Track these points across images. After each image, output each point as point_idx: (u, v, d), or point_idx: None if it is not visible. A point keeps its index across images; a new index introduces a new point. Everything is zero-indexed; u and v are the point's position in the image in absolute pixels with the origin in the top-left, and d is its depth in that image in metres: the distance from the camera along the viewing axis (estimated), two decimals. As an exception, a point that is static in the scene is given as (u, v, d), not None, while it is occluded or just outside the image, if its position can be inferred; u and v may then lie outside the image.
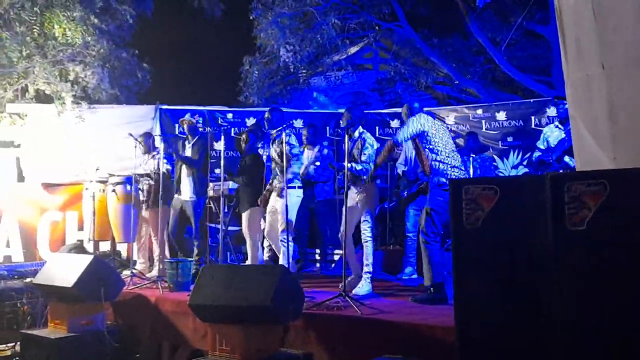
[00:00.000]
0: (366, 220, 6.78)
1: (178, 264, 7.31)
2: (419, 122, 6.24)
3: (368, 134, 6.91)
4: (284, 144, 6.88)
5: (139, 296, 7.10)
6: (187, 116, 8.63)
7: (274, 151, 7.21)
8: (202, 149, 8.35)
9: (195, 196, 8.25)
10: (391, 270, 8.40)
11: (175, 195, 8.42)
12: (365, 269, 6.74)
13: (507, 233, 3.57)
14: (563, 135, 7.14)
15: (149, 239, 8.74)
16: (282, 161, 6.92)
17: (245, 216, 7.59)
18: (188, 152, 8.39)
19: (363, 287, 6.64)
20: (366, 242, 6.75)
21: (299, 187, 7.16)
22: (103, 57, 10.91)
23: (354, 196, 6.83)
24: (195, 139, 8.42)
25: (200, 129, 8.89)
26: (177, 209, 8.35)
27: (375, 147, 6.83)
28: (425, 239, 6.08)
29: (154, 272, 8.15)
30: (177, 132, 9.08)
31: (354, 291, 6.49)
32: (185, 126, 8.52)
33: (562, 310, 3.34)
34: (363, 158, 6.74)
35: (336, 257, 9.41)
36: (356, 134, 6.83)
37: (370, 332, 5.19)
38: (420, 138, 6.21)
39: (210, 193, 8.53)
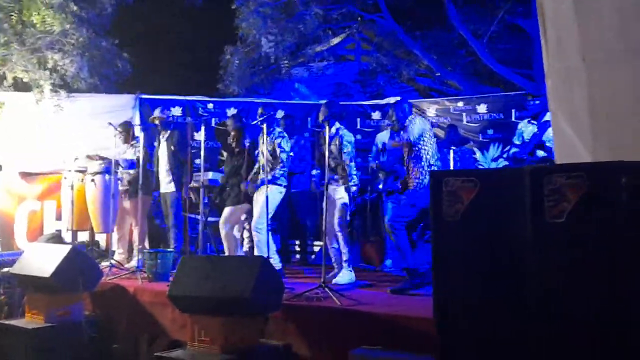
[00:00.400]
0: (339, 210, 6.85)
1: (157, 255, 7.29)
2: (422, 123, 6.37)
3: (345, 130, 6.97)
4: (275, 144, 7.09)
5: (118, 287, 7.06)
6: (157, 112, 8.54)
7: (265, 147, 7.25)
8: (181, 137, 8.31)
9: (173, 188, 8.21)
10: (372, 261, 8.42)
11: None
12: (344, 257, 6.80)
13: (487, 225, 3.58)
14: (536, 130, 7.19)
15: (130, 230, 8.69)
16: (273, 158, 7.11)
17: (229, 210, 7.60)
18: (163, 146, 8.34)
19: (344, 276, 6.69)
20: (340, 232, 6.82)
21: (284, 186, 7.20)
22: (82, 45, 10.78)
23: (332, 189, 6.88)
24: (169, 132, 8.38)
25: (171, 121, 8.78)
26: (163, 200, 8.36)
27: (353, 142, 6.90)
28: (393, 228, 6.14)
29: (133, 263, 8.11)
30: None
31: (334, 281, 6.53)
32: (157, 122, 8.48)
33: (542, 302, 3.35)
34: (344, 157, 6.82)
35: (316, 249, 9.42)
36: (333, 130, 6.88)
37: (349, 324, 5.20)
38: (419, 138, 6.28)
39: (191, 183, 8.49)
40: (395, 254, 7.96)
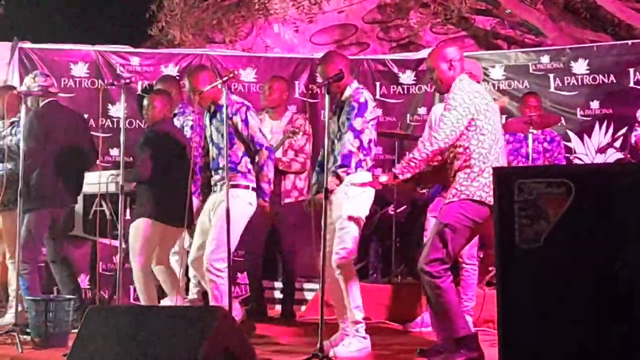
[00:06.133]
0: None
1: (48, 304, 7.30)
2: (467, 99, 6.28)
3: (366, 92, 6.97)
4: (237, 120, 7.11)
5: (-16, 357, 7.09)
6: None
7: (215, 130, 7.25)
8: (31, 128, 8.30)
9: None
10: (399, 315, 8.44)
11: None
12: (355, 315, 6.82)
13: (586, 254, 3.60)
14: None
15: (3, 263, 8.72)
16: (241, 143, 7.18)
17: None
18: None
19: (352, 344, 6.72)
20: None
21: (252, 189, 7.22)
22: None
23: (340, 198, 6.89)
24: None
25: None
26: None
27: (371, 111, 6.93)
28: (430, 273, 6.06)
29: (9, 318, 8.13)
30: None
31: (337, 350, 6.55)
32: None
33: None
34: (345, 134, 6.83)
35: (309, 296, 9.42)
36: (347, 93, 6.86)
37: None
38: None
39: (102, 189, 8.49)
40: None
